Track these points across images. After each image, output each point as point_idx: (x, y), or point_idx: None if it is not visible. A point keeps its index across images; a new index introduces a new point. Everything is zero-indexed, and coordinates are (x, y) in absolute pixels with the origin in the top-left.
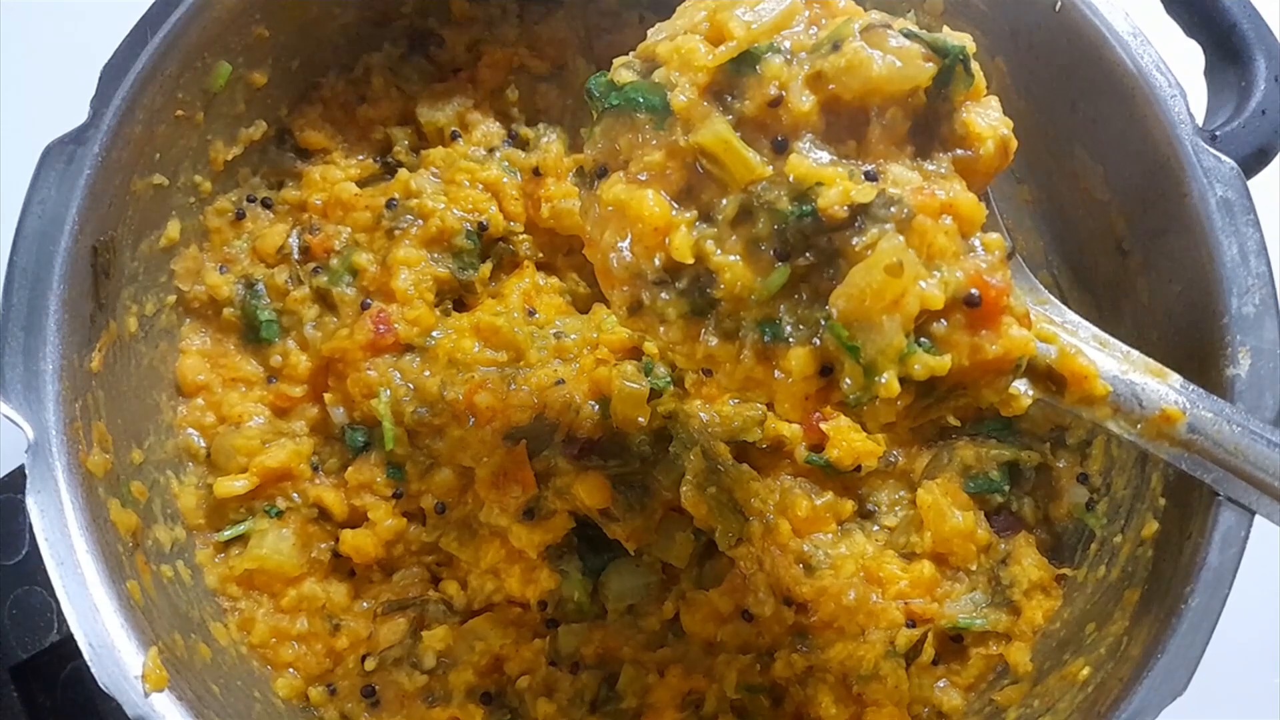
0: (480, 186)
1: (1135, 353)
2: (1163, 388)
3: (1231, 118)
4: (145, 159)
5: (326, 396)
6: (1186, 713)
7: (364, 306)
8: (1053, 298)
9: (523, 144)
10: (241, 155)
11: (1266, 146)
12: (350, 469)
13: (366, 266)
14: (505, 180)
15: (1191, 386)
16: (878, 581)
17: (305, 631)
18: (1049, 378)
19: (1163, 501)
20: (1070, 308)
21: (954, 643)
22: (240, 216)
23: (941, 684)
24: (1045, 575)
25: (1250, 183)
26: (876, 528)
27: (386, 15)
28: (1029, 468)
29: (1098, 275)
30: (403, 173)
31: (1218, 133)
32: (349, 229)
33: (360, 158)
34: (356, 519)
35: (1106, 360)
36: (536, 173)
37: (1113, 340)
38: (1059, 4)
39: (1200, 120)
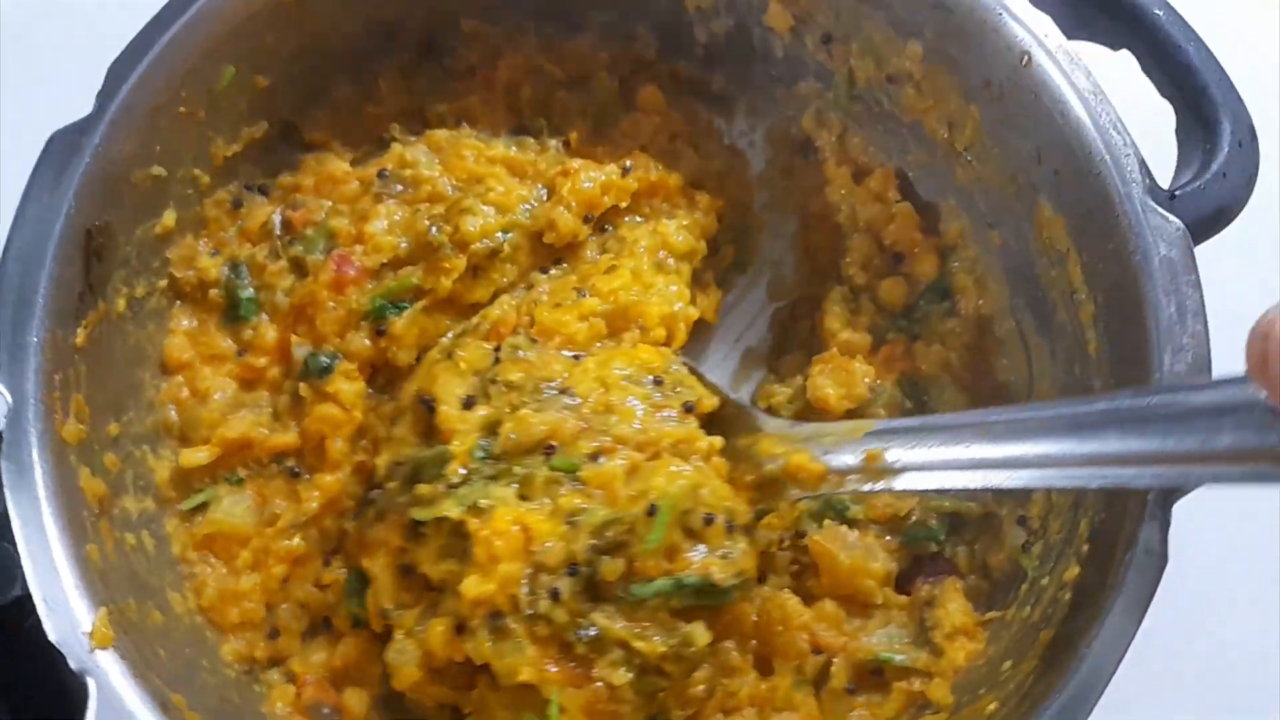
0: (484, 162)
1: (841, 424)
2: (860, 440)
3: (1194, 178)
4: (145, 151)
5: (293, 338)
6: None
7: (327, 254)
8: (775, 419)
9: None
10: (242, 151)
11: (1224, 209)
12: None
13: (343, 228)
14: (514, 152)
15: (881, 421)
16: (780, 621)
17: (253, 586)
18: (788, 480)
19: (1086, 547)
20: (1030, 353)
21: (875, 676)
22: (237, 205)
23: (858, 714)
24: (968, 621)
25: (1211, 243)
26: (774, 578)
27: (393, 29)
28: (971, 518)
29: (1055, 323)
30: (396, 145)
31: (1177, 192)
32: (332, 202)
33: (362, 149)
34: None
35: (817, 444)
36: None
37: (826, 426)
38: (1026, 58)
39: (1170, 176)
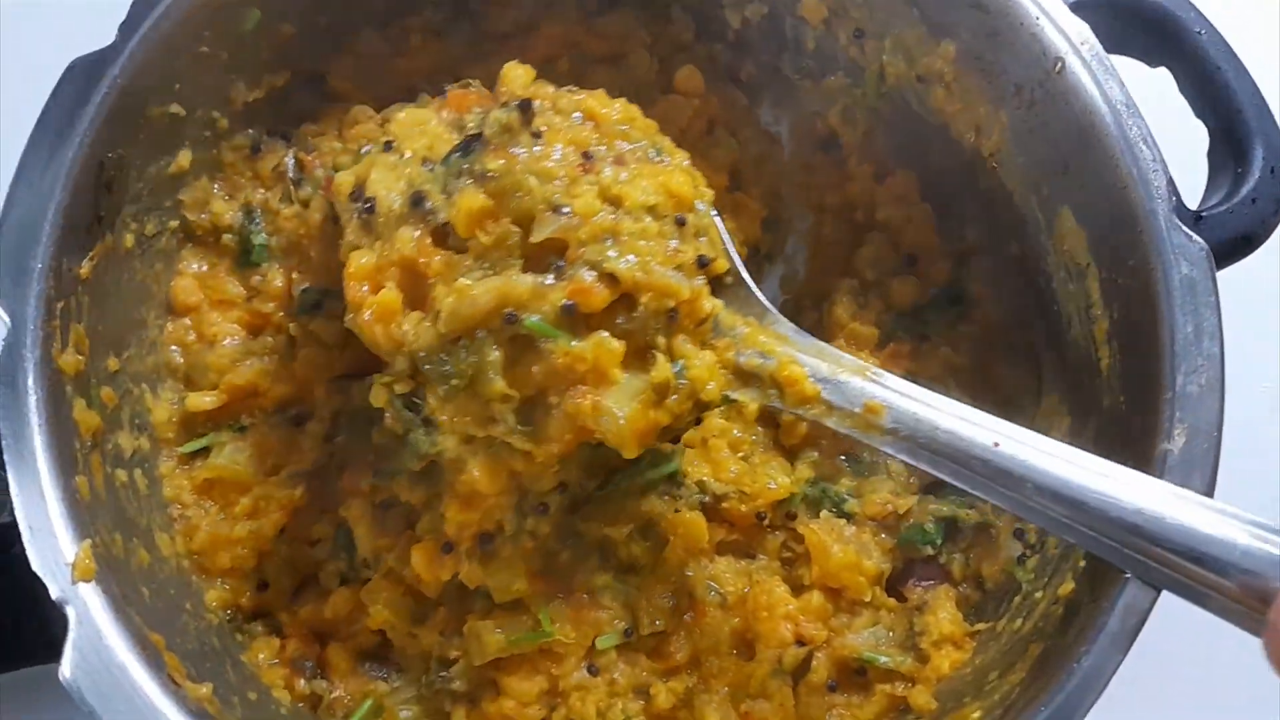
0: None
1: (848, 357)
2: (867, 384)
3: (1223, 201)
4: (164, 87)
5: (294, 276)
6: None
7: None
8: (780, 317)
9: None
10: (264, 97)
11: (1250, 234)
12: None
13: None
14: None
15: (896, 381)
16: (765, 606)
17: (248, 533)
18: (772, 385)
19: (1083, 564)
20: (1040, 366)
21: (858, 676)
22: (256, 151)
23: (837, 714)
24: (957, 630)
25: (1238, 267)
26: (764, 558)
27: None
28: (967, 525)
29: (1067, 337)
30: (424, 96)
31: (1204, 213)
32: (346, 145)
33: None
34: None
35: (819, 365)
36: None
37: (830, 349)
38: (1059, 65)
39: (1199, 198)
